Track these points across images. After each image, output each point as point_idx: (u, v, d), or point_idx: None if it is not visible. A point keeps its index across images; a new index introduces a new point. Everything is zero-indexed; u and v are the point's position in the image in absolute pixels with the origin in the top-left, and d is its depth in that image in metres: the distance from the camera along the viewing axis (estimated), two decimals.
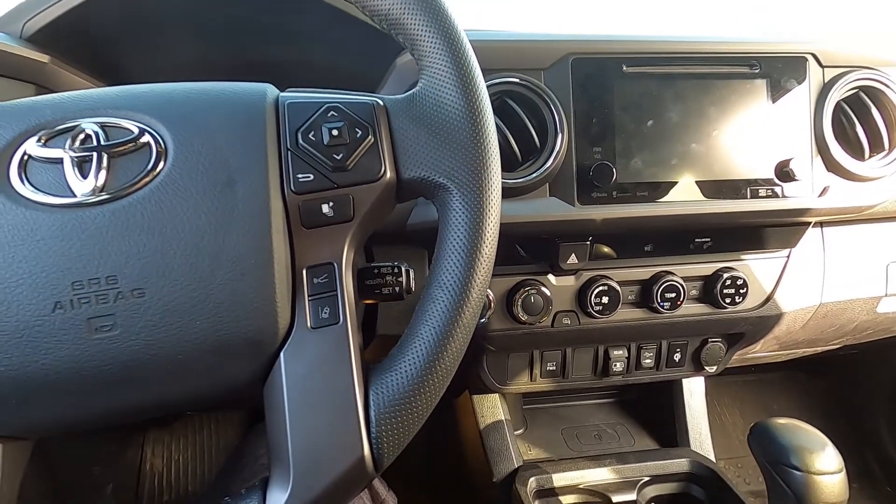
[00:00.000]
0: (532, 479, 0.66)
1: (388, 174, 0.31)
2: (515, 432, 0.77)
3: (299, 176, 0.29)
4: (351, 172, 0.30)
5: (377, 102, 0.32)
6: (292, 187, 0.29)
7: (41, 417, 0.27)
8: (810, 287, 0.63)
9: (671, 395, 0.79)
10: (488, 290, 0.58)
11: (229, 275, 0.27)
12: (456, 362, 0.29)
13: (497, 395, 0.77)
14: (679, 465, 0.68)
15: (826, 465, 0.40)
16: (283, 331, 0.28)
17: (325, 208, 0.30)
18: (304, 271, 0.29)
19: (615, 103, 0.53)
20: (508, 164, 0.52)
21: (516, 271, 0.58)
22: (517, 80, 0.51)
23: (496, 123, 0.37)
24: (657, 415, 0.81)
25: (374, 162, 0.30)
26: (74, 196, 0.27)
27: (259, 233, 0.28)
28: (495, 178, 0.31)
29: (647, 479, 0.67)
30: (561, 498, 0.66)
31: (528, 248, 0.57)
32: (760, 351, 0.74)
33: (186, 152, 0.28)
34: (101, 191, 0.27)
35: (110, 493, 0.94)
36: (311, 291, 0.29)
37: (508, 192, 0.52)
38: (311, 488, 0.26)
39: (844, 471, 0.41)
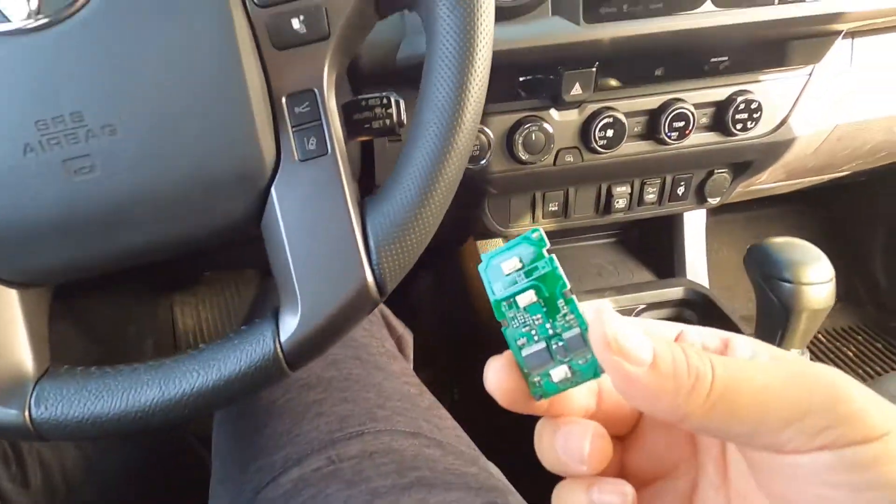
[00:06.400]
0: None
1: None
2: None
3: None
4: None
5: None
6: None
7: (46, 263, 0.27)
8: (829, 107, 0.60)
9: (671, 230, 0.80)
10: (487, 130, 0.55)
11: (202, 105, 0.25)
12: (452, 188, 0.29)
13: (500, 240, 0.78)
14: (674, 292, 0.72)
15: (816, 276, 0.42)
16: (270, 164, 0.27)
17: (296, 23, 0.26)
18: (284, 100, 0.27)
19: None
20: None
21: (516, 108, 0.55)
22: None
23: None
24: (657, 250, 0.83)
25: None
26: (10, 21, 0.24)
27: (226, 53, 0.25)
28: None
29: (643, 306, 0.71)
30: None
31: (529, 81, 0.53)
32: (766, 181, 0.73)
33: None
34: (38, 13, 0.24)
35: (151, 348, 1.04)
36: (294, 122, 0.27)
37: (505, 14, 0.46)
38: (320, 313, 0.27)
39: (833, 280, 0.42)
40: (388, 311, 0.58)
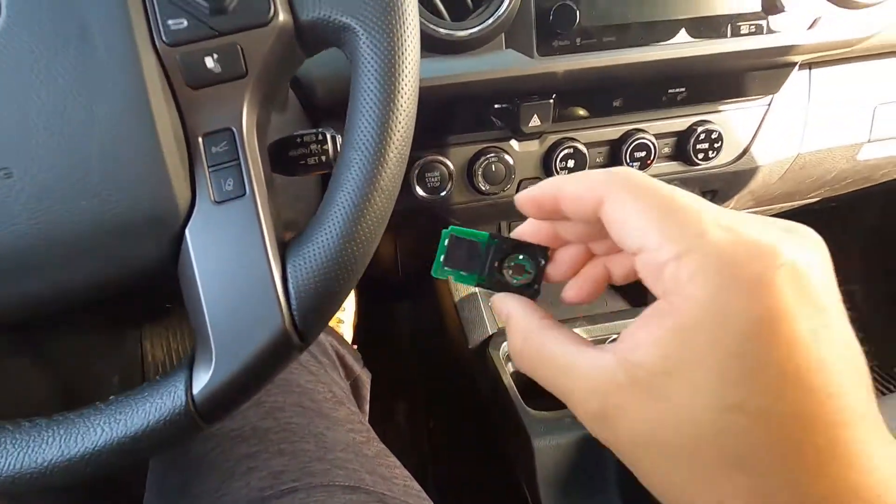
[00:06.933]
0: (504, 343, 0.68)
1: (281, 16, 0.26)
2: (489, 303, 0.79)
3: (170, 22, 0.24)
4: (232, 15, 0.25)
5: None
6: (164, 37, 0.25)
7: None
8: (789, 137, 0.60)
9: None
10: (447, 161, 0.55)
11: (106, 146, 0.24)
12: (378, 228, 0.27)
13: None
14: None
15: None
16: (184, 206, 0.26)
17: (210, 62, 0.25)
18: (200, 140, 0.26)
19: None
20: (457, 13, 0.46)
21: (476, 139, 0.54)
22: None
23: None
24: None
25: (260, 1, 0.25)
26: None
27: (132, 94, 0.24)
28: (410, 13, 0.26)
29: (615, 336, 0.70)
30: None
31: (488, 113, 0.53)
32: (735, 208, 0.73)
33: (21, 1, 0.23)
34: None
35: (117, 384, 1.00)
36: (211, 162, 0.26)
37: (458, 47, 0.46)
38: (234, 363, 0.26)
39: None
40: (344, 351, 0.56)
